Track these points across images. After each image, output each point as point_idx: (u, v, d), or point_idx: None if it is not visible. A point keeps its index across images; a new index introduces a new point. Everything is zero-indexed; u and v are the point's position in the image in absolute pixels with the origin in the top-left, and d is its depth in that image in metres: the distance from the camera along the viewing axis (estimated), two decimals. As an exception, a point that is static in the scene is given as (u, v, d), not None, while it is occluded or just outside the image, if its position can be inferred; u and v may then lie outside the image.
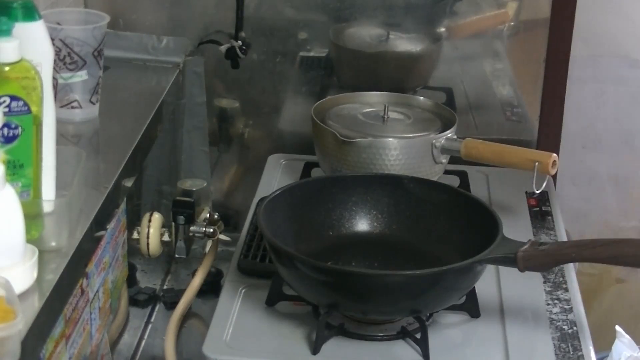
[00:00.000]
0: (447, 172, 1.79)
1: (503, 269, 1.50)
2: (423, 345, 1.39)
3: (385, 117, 1.77)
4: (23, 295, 1.15)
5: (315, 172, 1.85)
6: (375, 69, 2.00)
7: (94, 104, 1.66)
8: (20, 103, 1.21)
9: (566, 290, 1.55)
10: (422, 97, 1.87)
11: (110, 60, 1.78)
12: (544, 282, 1.57)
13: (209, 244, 1.75)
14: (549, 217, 1.77)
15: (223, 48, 1.94)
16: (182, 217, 1.67)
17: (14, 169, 1.22)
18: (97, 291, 1.44)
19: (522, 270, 1.39)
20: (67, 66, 1.62)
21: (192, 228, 1.68)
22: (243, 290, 1.53)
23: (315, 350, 1.38)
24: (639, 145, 2.23)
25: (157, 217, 1.68)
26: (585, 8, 2.00)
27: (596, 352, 1.42)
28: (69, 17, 1.66)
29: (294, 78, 2.03)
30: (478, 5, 2.00)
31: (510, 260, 1.38)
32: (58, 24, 1.61)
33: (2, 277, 1.10)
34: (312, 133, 1.78)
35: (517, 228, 1.68)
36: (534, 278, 1.55)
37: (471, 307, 1.47)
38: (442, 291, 1.38)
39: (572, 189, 2.24)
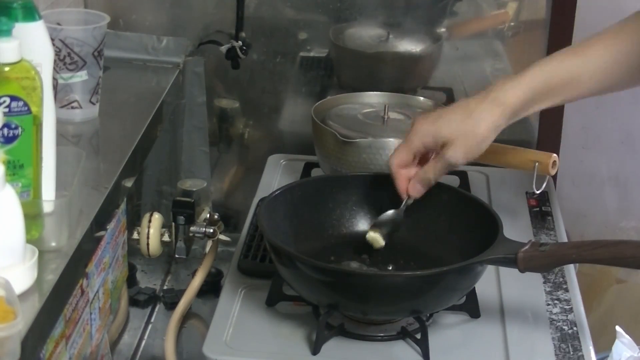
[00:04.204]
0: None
1: (503, 269, 1.50)
2: (423, 346, 1.39)
3: (385, 117, 1.77)
4: (23, 295, 1.15)
5: (315, 172, 1.85)
6: (375, 69, 2.00)
7: (94, 104, 1.66)
8: (20, 103, 1.21)
9: (566, 290, 1.55)
10: (422, 97, 1.87)
11: (110, 60, 1.78)
12: (544, 283, 1.57)
13: (209, 244, 1.75)
14: (549, 218, 1.76)
15: (223, 48, 1.94)
16: (182, 217, 1.67)
17: (14, 169, 1.22)
18: (97, 291, 1.44)
19: (522, 270, 1.38)
20: (67, 66, 1.62)
21: (192, 228, 1.68)
22: (243, 291, 1.53)
23: (315, 350, 1.38)
24: (639, 145, 2.23)
25: (157, 217, 1.67)
26: (585, 8, 2.00)
27: (596, 352, 1.42)
28: (69, 17, 1.66)
29: (294, 78, 2.03)
30: (478, 5, 1.99)
31: (510, 261, 1.38)
32: (58, 24, 1.61)
33: (2, 277, 1.10)
34: (312, 133, 1.78)
35: (517, 228, 1.68)
36: (534, 278, 1.55)
37: (471, 308, 1.47)
38: (442, 291, 1.38)
39: (572, 189, 2.24)
